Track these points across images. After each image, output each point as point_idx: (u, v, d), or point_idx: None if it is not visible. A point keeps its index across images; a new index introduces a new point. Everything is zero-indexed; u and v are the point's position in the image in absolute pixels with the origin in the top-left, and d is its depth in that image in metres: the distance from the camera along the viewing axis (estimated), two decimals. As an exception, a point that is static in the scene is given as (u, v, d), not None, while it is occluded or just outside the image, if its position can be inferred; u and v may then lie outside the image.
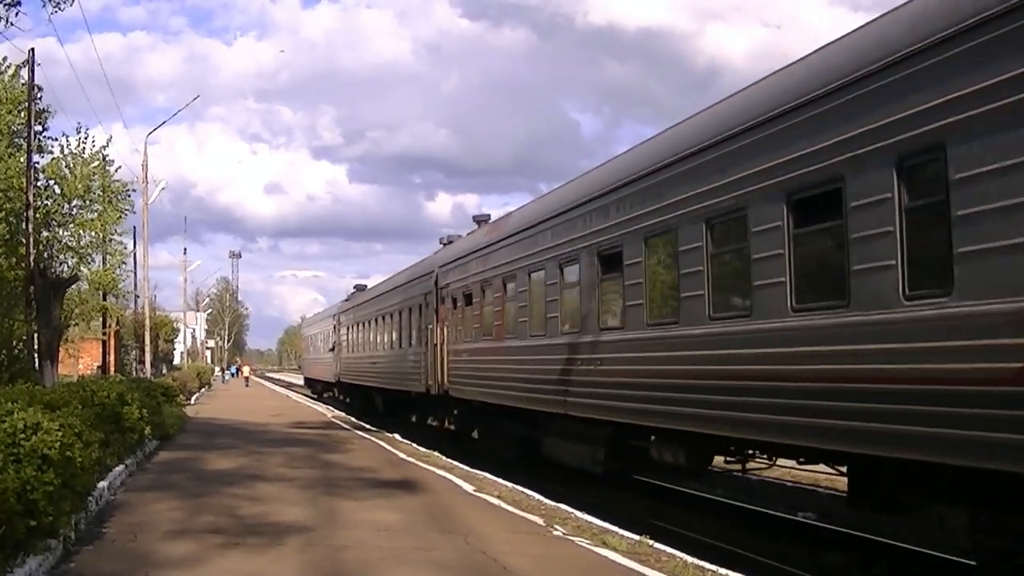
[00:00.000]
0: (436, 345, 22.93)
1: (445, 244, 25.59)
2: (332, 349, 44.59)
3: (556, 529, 10.94)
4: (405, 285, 28.11)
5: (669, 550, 9.92)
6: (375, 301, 33.83)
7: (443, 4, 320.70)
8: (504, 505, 12.68)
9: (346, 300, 43.47)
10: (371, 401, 34.55)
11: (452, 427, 23.70)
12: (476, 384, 19.70)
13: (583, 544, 10.06)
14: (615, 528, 11.07)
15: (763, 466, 12.39)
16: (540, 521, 11.43)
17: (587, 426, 14.13)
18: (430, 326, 23.70)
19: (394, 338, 29.48)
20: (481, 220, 22.85)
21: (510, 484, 14.92)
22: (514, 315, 17.35)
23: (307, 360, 62.91)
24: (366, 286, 40.83)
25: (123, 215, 32.62)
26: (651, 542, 10.21)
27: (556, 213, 15.45)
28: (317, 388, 54.87)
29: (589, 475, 15.00)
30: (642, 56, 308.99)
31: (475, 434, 22.09)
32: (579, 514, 12.12)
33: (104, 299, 35.79)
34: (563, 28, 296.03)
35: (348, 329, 40.51)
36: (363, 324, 36.36)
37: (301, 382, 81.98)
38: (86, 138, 30.65)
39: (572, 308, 14.63)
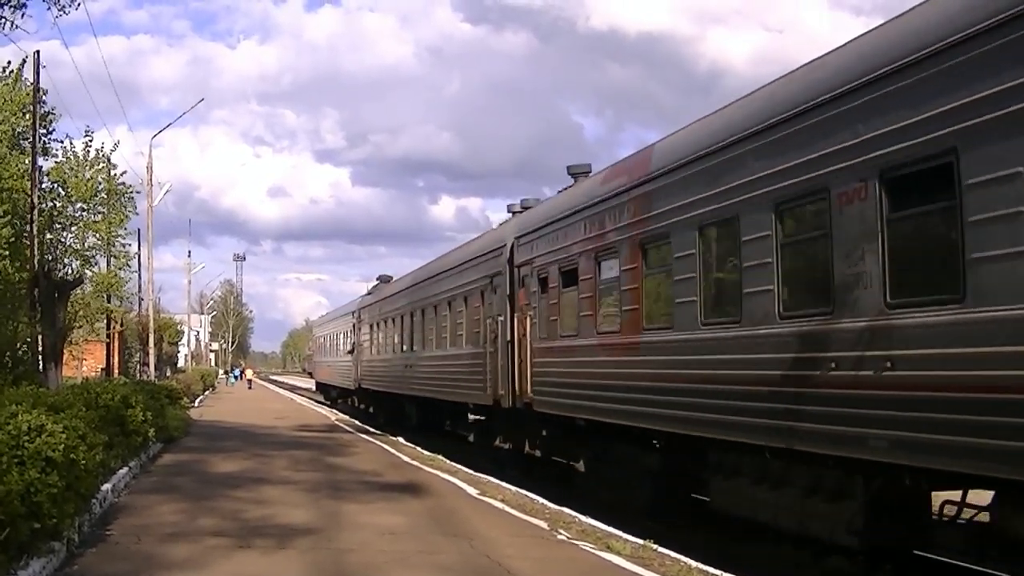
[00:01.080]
0: (511, 342, 17.35)
1: (518, 212, 19.93)
2: (351, 351, 39.08)
3: (560, 533, 10.92)
4: (459, 267, 22.17)
5: (673, 554, 9.90)
6: (410, 292, 28.08)
7: (445, 8, 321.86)
8: (508, 509, 12.66)
9: (368, 294, 38.36)
10: (402, 412, 29.78)
11: (537, 452, 17.51)
12: (583, 396, 14.04)
13: (587, 548, 10.04)
14: (619, 532, 11.04)
15: None
16: (544, 525, 11.41)
17: (828, 470, 9.06)
18: (500, 317, 18.02)
19: (440, 335, 23.77)
20: (579, 173, 16.89)
21: (514, 488, 14.89)
22: (665, 295, 11.71)
23: (320, 364, 55.22)
24: (391, 277, 35.42)
25: (127, 217, 32.80)
26: (655, 546, 10.20)
27: (772, 122, 9.51)
28: (331, 395, 49.22)
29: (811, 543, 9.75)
30: (644, 60, 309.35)
31: (580, 465, 15.54)
32: (583, 518, 12.09)
33: (108, 301, 35.80)
34: (565, 32, 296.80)
35: (372, 327, 34.84)
36: (392, 321, 30.79)
37: (305, 385, 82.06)
38: (90, 142, 30.79)
39: (807, 275, 9.26)
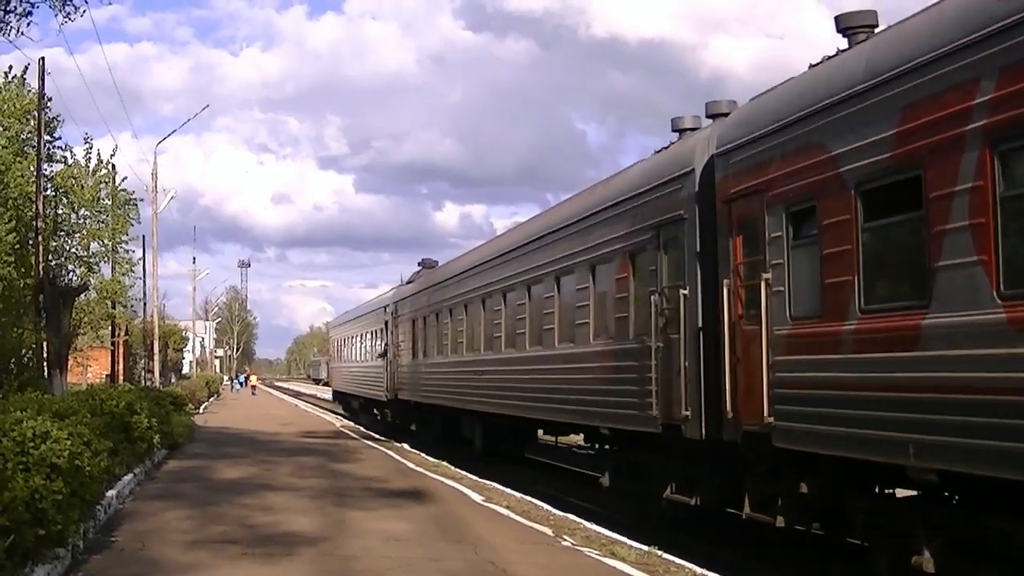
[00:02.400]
0: (704, 329, 10.92)
1: (691, 130, 12.60)
2: (383, 354, 32.63)
3: (565, 539, 10.90)
4: (580, 223, 14.99)
5: (678, 560, 9.87)
6: (482, 272, 20.97)
7: (447, 16, 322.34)
8: (513, 515, 12.63)
9: (408, 282, 31.97)
10: (456, 431, 24.15)
11: (778, 520, 9.69)
12: (946, 427, 7.07)
13: (592, 554, 10.02)
14: (624, 538, 11.02)
15: None
16: (549, 531, 11.39)
17: None
18: (684, 291, 11.21)
19: (540, 327, 16.68)
20: (859, 26, 9.34)
21: (519, 494, 14.87)
22: None
23: (339, 369, 47.06)
24: (436, 262, 29.64)
25: (130, 224, 32.99)
26: (660, 552, 10.17)
27: None
28: (353, 406, 41.41)
29: None
30: (645, 67, 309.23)
31: (924, 559, 7.80)
32: (588, 524, 12.07)
33: (113, 307, 35.89)
34: (566, 40, 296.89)
35: (415, 324, 28.25)
36: (449, 313, 23.85)
37: (310, 392, 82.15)
38: (90, 149, 30.93)
39: None
